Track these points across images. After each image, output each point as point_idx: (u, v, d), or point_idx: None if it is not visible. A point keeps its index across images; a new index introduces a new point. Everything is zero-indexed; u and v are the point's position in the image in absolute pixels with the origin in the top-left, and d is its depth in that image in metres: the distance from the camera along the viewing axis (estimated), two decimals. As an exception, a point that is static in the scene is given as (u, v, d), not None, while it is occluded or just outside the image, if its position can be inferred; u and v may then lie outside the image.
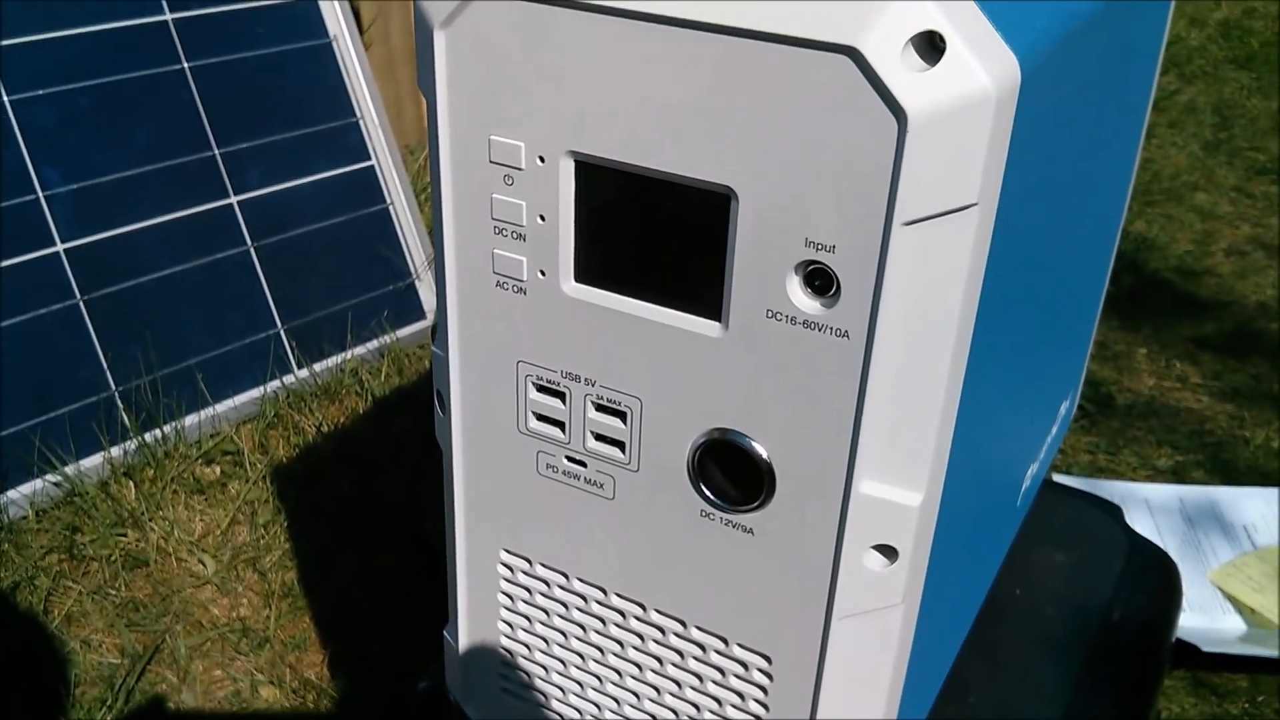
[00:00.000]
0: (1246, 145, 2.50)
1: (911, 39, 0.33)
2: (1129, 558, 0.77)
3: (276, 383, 1.48)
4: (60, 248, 1.35)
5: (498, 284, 0.45)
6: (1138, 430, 1.60)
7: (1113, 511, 0.82)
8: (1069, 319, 0.64)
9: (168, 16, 1.48)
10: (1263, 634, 1.25)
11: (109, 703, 1.09)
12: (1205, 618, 1.27)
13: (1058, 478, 1.45)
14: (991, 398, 0.46)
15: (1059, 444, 0.76)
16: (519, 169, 0.43)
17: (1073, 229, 0.55)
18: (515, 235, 0.44)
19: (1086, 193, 0.56)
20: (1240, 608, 1.28)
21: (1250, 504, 1.42)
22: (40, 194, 1.35)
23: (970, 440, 0.43)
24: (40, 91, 1.36)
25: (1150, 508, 1.41)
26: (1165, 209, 2.22)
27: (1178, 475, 1.50)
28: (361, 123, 1.64)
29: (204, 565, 1.25)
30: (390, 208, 1.65)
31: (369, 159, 1.64)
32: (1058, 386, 0.68)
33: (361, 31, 1.87)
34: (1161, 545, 1.33)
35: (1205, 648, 1.17)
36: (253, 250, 1.51)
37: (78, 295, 1.35)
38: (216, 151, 1.50)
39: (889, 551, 0.41)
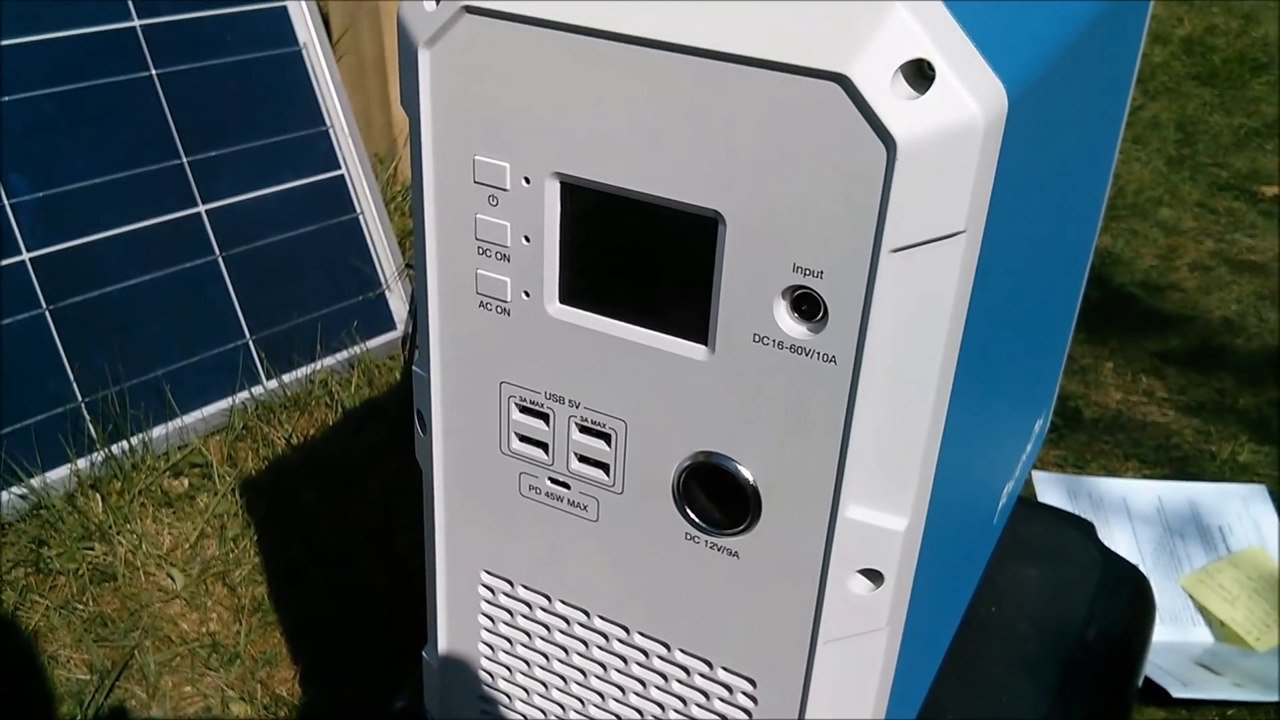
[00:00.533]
0: (1209, 161, 2.53)
1: (901, 67, 0.34)
2: (1102, 574, 0.77)
3: (245, 394, 1.47)
4: (26, 256, 1.34)
5: (481, 304, 0.45)
6: (1104, 444, 1.62)
7: (1085, 528, 0.82)
8: (1045, 337, 0.65)
9: (136, 23, 1.47)
10: (1227, 651, 1.26)
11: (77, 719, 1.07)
12: (1174, 630, 1.28)
13: (1038, 475, 1.46)
14: (973, 420, 0.46)
15: (1033, 461, 0.77)
16: (504, 189, 0.42)
17: (1051, 249, 0.55)
18: (499, 256, 0.44)
19: (1065, 213, 0.56)
20: (1210, 619, 1.29)
21: (1227, 504, 1.41)
22: (6, 201, 1.33)
23: (953, 463, 0.43)
24: (6, 98, 1.35)
25: (1128, 509, 1.41)
26: (1130, 224, 2.25)
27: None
28: (331, 131, 1.63)
29: (173, 579, 1.23)
30: (360, 217, 1.64)
31: (339, 168, 1.63)
32: (1033, 404, 0.69)
33: (331, 40, 1.86)
34: (1137, 545, 1.34)
35: (1175, 693, 1.17)
36: (221, 260, 1.50)
37: (44, 304, 1.34)
38: (185, 159, 1.49)
39: (874, 576, 0.41)
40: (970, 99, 0.33)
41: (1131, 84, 0.69)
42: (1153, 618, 0.80)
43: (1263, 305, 1.96)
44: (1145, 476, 1.54)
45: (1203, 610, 1.30)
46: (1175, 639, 1.27)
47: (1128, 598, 0.78)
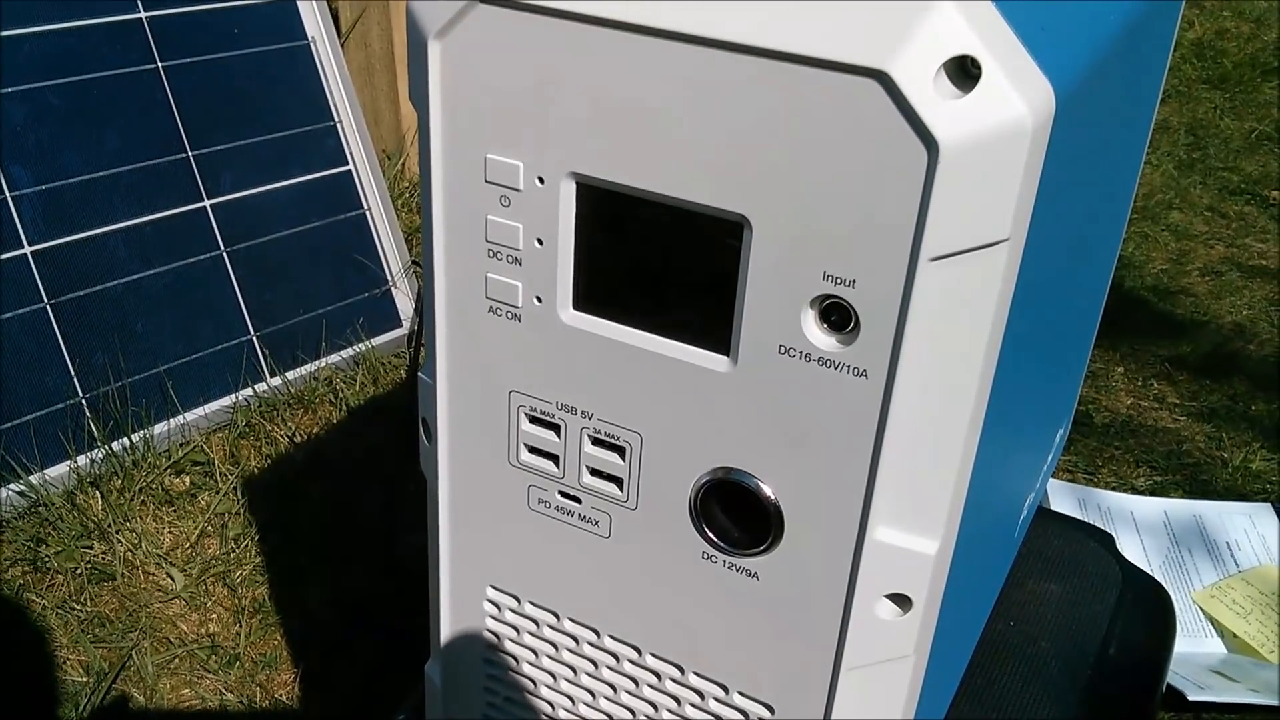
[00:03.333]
0: (1220, 165, 2.50)
1: (944, 64, 0.32)
2: (1123, 589, 0.75)
3: (248, 391, 1.45)
4: (28, 249, 1.32)
5: (490, 310, 0.43)
6: (1116, 450, 1.60)
7: (1105, 541, 0.80)
8: (1071, 347, 0.63)
9: (142, 15, 1.45)
10: (1241, 661, 1.24)
11: (71, 722, 1.06)
12: (1187, 641, 1.26)
13: (1053, 484, 1.44)
14: (1003, 434, 0.44)
15: (1053, 470, 0.75)
16: (516, 190, 0.40)
17: (1081, 256, 0.53)
18: (511, 259, 0.42)
19: (1096, 219, 0.54)
20: (1222, 631, 1.27)
21: (1233, 520, 1.41)
22: (8, 194, 1.31)
23: (982, 480, 0.41)
24: (9, 89, 1.33)
25: (1135, 522, 1.40)
26: (1141, 227, 2.22)
27: (1157, 496, 1.49)
28: (339, 126, 1.61)
29: (172, 579, 1.22)
30: (367, 213, 1.62)
31: (346, 164, 1.62)
32: (1056, 414, 0.67)
33: (340, 34, 1.84)
34: (1146, 558, 1.33)
35: (1191, 695, 1.16)
36: (225, 255, 1.48)
37: (45, 299, 1.32)
38: (190, 153, 1.47)
39: (903, 601, 0.39)
40: (1018, 98, 0.31)
41: (1160, 88, 0.67)
42: (1174, 633, 0.78)
43: (1274, 310, 1.94)
44: (1156, 483, 1.52)
45: (1215, 623, 1.29)
46: (1189, 650, 1.26)
47: (1149, 612, 0.76)
